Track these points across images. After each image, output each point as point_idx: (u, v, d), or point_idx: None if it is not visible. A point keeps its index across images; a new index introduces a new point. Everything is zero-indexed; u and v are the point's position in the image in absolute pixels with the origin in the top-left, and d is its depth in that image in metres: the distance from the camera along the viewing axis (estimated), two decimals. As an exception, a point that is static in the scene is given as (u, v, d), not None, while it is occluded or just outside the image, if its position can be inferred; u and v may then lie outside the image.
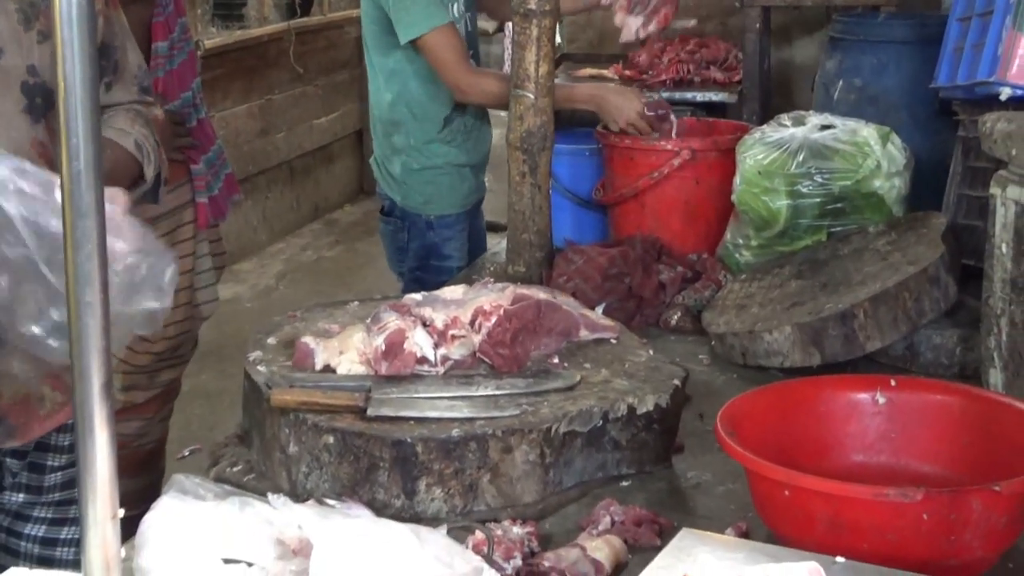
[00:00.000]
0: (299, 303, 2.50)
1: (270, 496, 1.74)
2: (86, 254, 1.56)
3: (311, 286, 7.14)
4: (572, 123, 3.56)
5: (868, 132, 3.05)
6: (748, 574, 1.38)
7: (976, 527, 1.72)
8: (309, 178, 8.53)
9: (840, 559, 1.50)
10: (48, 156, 2.10)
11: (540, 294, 2.34)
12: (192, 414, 4.85)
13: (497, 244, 3.77)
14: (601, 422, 2.08)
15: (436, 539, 1.65)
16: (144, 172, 2.27)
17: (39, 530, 2.23)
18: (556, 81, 3.19)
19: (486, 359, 2.20)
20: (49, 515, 2.26)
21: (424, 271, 3.68)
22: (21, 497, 2.17)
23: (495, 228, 4.24)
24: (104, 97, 2.26)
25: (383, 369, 2.14)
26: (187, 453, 4.49)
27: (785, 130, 3.10)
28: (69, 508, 2.27)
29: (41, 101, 2.11)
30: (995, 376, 2.37)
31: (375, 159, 3.82)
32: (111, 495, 1.59)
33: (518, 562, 1.81)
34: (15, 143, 2.04)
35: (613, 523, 1.93)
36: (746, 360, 2.66)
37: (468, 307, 2.25)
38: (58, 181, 1.70)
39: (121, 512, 1.61)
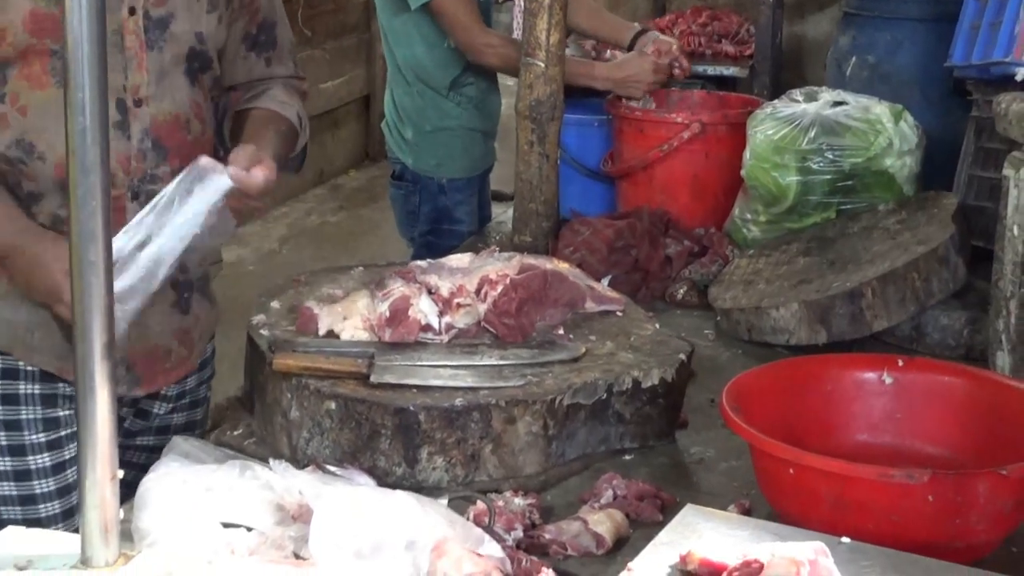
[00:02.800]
0: (302, 267, 2.48)
1: (271, 461, 1.73)
2: (90, 211, 1.54)
3: (314, 251, 7.12)
4: (582, 93, 3.53)
5: (880, 110, 3.02)
6: (753, 552, 1.37)
7: (981, 510, 1.70)
8: (314, 142, 8.47)
9: (845, 539, 1.48)
10: (202, 115, 2.23)
11: (547, 264, 2.32)
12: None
13: (503, 213, 3.75)
14: (605, 395, 2.07)
15: (437, 508, 1.64)
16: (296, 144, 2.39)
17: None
18: (569, 53, 3.17)
19: (491, 328, 2.19)
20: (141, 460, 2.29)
21: (435, 235, 3.68)
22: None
23: (500, 197, 4.22)
24: (265, 71, 2.40)
25: (387, 336, 2.12)
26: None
27: (797, 105, 3.08)
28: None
29: (199, 65, 2.22)
30: (1002, 359, 2.35)
31: (386, 122, 3.80)
32: (110, 456, 1.58)
33: (519, 533, 1.80)
34: (178, 103, 2.17)
35: (615, 497, 1.92)
36: (752, 336, 2.64)
37: (474, 276, 2.23)
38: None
39: (120, 473, 1.60)
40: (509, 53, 3.48)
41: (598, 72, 3.53)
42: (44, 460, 2.13)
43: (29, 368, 2.11)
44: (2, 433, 2.12)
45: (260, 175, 2.02)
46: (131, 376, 2.21)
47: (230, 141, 2.36)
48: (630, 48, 3.63)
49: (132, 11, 2.11)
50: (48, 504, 2.14)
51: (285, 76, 2.43)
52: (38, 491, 2.13)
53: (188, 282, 2.29)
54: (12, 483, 2.11)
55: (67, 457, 2.13)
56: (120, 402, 2.20)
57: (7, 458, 2.12)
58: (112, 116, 2.07)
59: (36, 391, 2.12)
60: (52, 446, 2.12)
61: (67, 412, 2.14)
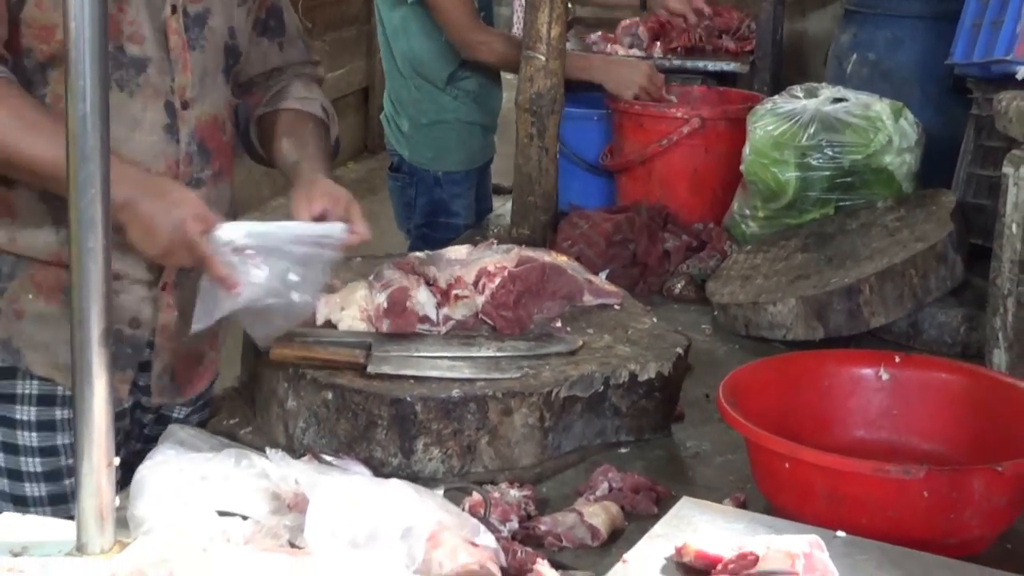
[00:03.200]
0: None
1: (268, 451, 1.73)
2: (89, 199, 1.54)
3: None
4: (582, 87, 3.53)
5: (881, 107, 3.02)
6: (749, 544, 1.37)
7: (977, 507, 1.71)
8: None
9: (841, 533, 1.48)
10: (231, 115, 2.20)
11: (545, 257, 2.32)
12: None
13: (501, 206, 3.75)
14: (602, 388, 2.07)
15: (433, 498, 1.64)
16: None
17: None
18: (568, 47, 3.17)
19: (488, 320, 2.19)
20: None
21: (431, 228, 3.67)
22: (139, 447, 2.15)
23: (500, 191, 4.22)
24: (279, 58, 2.33)
25: (384, 327, 2.12)
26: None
27: (797, 102, 3.08)
28: None
29: (232, 62, 2.17)
30: (999, 356, 2.35)
31: (385, 114, 3.80)
32: (107, 443, 1.58)
33: (514, 525, 1.80)
34: (216, 104, 2.13)
35: (611, 489, 1.92)
36: (749, 331, 2.64)
37: (472, 267, 2.23)
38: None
39: (116, 460, 1.60)
40: (504, 50, 3.49)
41: (595, 65, 3.53)
42: (32, 438, 2.08)
43: (65, 393, 2.01)
44: (38, 459, 2.07)
45: (364, 233, 2.03)
46: (173, 386, 2.18)
47: (262, 148, 2.31)
48: (643, 6, 3.63)
49: (174, 9, 2.05)
50: (33, 484, 2.11)
51: (300, 61, 2.37)
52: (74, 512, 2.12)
53: None
54: (48, 508, 2.06)
55: (59, 443, 2.09)
56: (143, 409, 2.20)
57: (43, 484, 2.06)
58: (160, 120, 2.03)
59: (72, 416, 2.05)
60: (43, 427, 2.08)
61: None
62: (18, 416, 2.05)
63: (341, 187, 2.08)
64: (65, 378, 1.97)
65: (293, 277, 1.95)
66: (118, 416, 1.89)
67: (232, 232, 1.89)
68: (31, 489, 2.08)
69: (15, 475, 2.07)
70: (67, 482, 2.05)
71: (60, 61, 1.88)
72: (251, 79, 2.32)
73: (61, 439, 2.06)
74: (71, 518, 1.62)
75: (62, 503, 2.05)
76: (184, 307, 2.08)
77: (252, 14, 2.24)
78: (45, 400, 2.06)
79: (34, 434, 2.07)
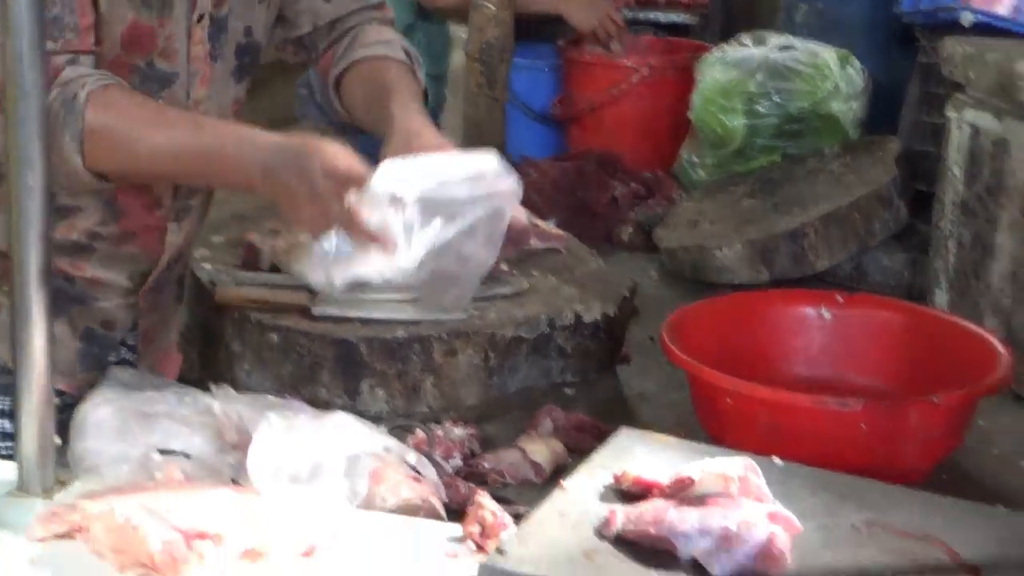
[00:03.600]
0: (245, 211, 2.47)
1: (212, 387, 1.72)
2: (27, 135, 1.53)
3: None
4: (531, 37, 3.52)
5: (828, 54, 3.05)
6: (685, 469, 1.38)
7: (913, 438, 1.73)
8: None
9: (776, 459, 1.50)
10: (240, 113, 2.01)
11: (491, 201, 2.32)
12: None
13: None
14: (548, 329, 2.08)
15: (377, 432, 1.65)
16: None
17: None
18: None
19: (434, 263, 2.18)
20: None
21: None
22: None
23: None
24: (330, 9, 2.06)
25: (330, 270, 2.12)
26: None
27: (745, 50, 3.09)
28: None
29: (249, 60, 1.99)
30: (940, 297, 2.38)
31: None
32: (46, 382, 1.57)
33: (458, 462, 1.81)
34: (222, 108, 1.95)
35: (555, 428, 1.93)
36: (696, 276, 2.66)
37: (418, 211, 2.22)
38: None
39: (56, 400, 1.60)
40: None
41: None
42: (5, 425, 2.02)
43: None
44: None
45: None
46: None
47: (348, 112, 2.08)
48: None
49: (200, 18, 1.87)
50: None
51: (359, 7, 2.09)
52: None
53: (183, 273, 2.14)
54: None
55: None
56: None
57: None
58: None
59: None
60: None
61: None
62: None
63: (446, 138, 1.84)
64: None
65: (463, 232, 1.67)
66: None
67: (386, 182, 1.64)
68: None
69: None
70: None
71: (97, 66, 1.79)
72: (312, 40, 2.08)
73: None
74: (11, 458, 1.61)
75: None
76: (161, 307, 2.05)
77: (273, 7, 2.04)
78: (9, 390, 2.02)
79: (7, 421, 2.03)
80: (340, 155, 1.67)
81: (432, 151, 1.76)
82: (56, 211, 1.78)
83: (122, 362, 2.02)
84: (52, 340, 1.58)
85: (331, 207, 1.65)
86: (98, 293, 1.95)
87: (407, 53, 2.04)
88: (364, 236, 1.65)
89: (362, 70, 2.01)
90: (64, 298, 1.89)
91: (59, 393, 1.88)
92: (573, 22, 3.42)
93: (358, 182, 1.65)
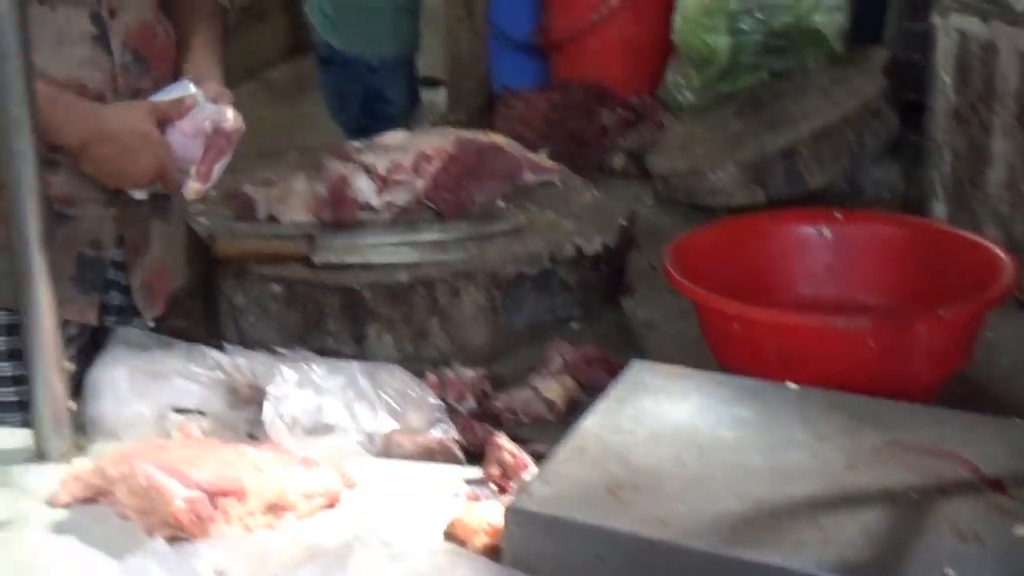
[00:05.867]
0: (236, 162, 2.44)
1: (225, 345, 1.72)
2: (15, 99, 1.51)
3: (248, 146, 6.99)
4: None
5: (809, -33, 3.02)
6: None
7: (922, 352, 1.74)
8: (241, 36, 8.33)
9: (792, 385, 1.50)
10: (159, 19, 2.06)
11: (482, 137, 2.31)
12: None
13: (436, 95, 3.72)
14: (549, 264, 2.07)
15: (391, 378, 1.64)
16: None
17: None
18: None
19: (431, 203, 2.18)
20: None
21: (367, 117, 3.64)
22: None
23: (428, 82, 4.18)
24: None
25: (327, 216, 2.11)
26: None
27: (726, -33, 3.06)
28: None
29: None
30: (938, 208, 2.38)
31: (310, 4, 3.74)
32: (56, 348, 1.57)
33: (471, 404, 1.81)
34: (141, 7, 2.00)
35: (564, 363, 1.93)
36: (691, 200, 2.66)
37: (410, 152, 2.22)
38: None
39: (69, 365, 1.59)
40: None
41: None
42: (5, 368, 2.06)
43: None
44: (12, 388, 2.06)
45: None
46: (150, 297, 2.17)
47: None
48: None
49: None
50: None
51: None
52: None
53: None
54: None
55: None
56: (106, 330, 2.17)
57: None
58: (89, 31, 1.96)
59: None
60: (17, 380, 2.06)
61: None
62: None
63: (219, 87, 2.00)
64: None
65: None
66: (79, 333, 1.88)
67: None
68: (7, 419, 2.07)
69: None
70: None
71: None
72: None
73: None
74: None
75: None
76: (140, 221, 2.06)
77: None
78: (14, 330, 2.04)
79: (5, 364, 2.04)
80: (150, 123, 1.86)
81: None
82: None
83: (111, 284, 2.05)
84: (57, 304, 1.57)
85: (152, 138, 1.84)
86: (73, 209, 1.94)
87: None
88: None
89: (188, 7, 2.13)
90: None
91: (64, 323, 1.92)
92: None
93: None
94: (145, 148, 1.87)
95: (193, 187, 1.87)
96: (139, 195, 1.90)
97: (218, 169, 1.88)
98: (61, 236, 1.93)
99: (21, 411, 2.05)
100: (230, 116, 1.90)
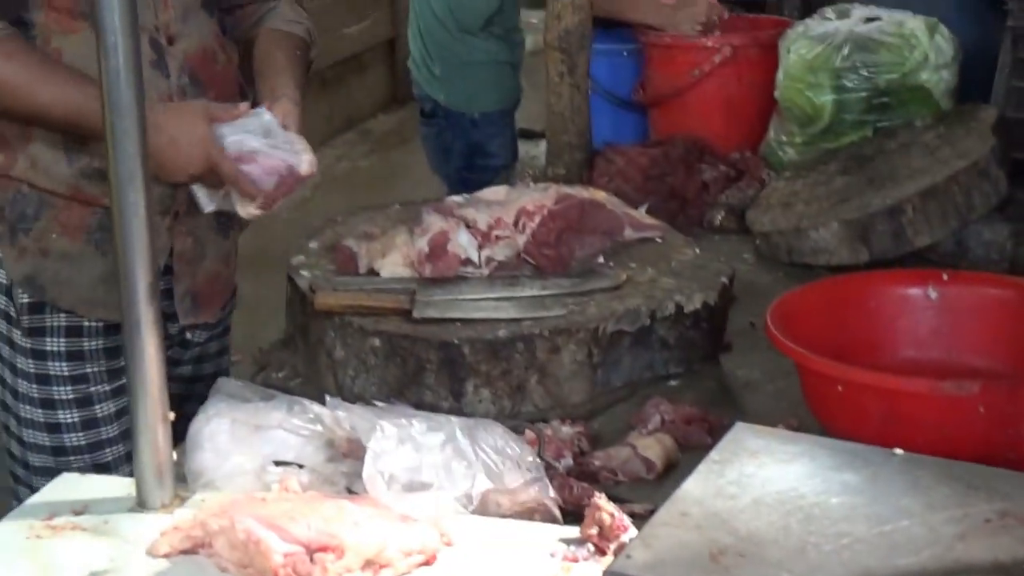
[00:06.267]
0: (335, 214, 2.48)
1: (327, 398, 1.72)
2: (127, 153, 1.54)
3: (346, 196, 7.09)
4: (610, 22, 3.49)
5: (915, 24, 2.98)
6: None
7: (1035, 420, 1.69)
8: (341, 88, 8.46)
9: (899, 451, 1.47)
10: (223, 45, 2.22)
11: (583, 193, 2.31)
12: (233, 325, 4.85)
13: (535, 148, 3.73)
14: (649, 321, 2.06)
15: (490, 435, 1.64)
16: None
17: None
18: None
19: (531, 259, 2.18)
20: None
21: (469, 170, 3.67)
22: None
23: (530, 135, 4.20)
24: None
25: (427, 271, 2.12)
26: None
27: (829, 23, 3.04)
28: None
29: None
30: (1048, 270, 2.33)
31: (414, 60, 3.79)
32: (161, 398, 1.59)
33: (568, 461, 1.80)
34: (204, 36, 2.15)
35: (663, 422, 1.92)
36: (792, 258, 2.62)
37: (511, 207, 2.22)
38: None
39: (172, 415, 1.61)
40: None
41: (642, 4, 3.47)
42: (109, 407, 2.16)
43: (91, 324, 2.13)
44: (70, 387, 2.14)
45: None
46: (195, 307, 2.24)
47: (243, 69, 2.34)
48: None
49: None
50: (114, 447, 2.19)
51: None
52: (104, 436, 2.18)
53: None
54: (81, 433, 2.16)
55: (88, 371, 2.17)
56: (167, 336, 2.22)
57: (75, 411, 2.15)
58: (148, 55, 2.06)
59: (99, 345, 2.14)
60: (116, 393, 2.16)
61: None
62: (48, 347, 2.14)
63: (290, 105, 2.13)
64: (88, 310, 2.11)
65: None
66: None
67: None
68: (64, 416, 2.16)
69: (48, 404, 2.16)
70: (97, 408, 2.13)
71: (42, 4, 2.01)
72: (239, 5, 2.33)
73: (90, 367, 2.14)
74: (128, 473, 1.63)
75: (93, 427, 2.14)
76: (198, 232, 2.16)
77: None
78: (73, 331, 2.16)
79: (64, 364, 2.15)
80: (201, 117, 1.98)
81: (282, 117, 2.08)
82: (74, 139, 2.04)
83: (164, 292, 2.11)
84: (164, 357, 1.60)
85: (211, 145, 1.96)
86: None
87: (310, 34, 2.32)
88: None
89: (263, 37, 2.27)
90: (107, 229, 2.02)
91: (116, 328, 2.00)
92: (680, 31, 3.38)
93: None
94: (193, 141, 1.96)
95: (252, 212, 1.98)
96: (207, 205, 2.00)
97: (280, 203, 2.00)
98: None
99: (78, 408, 2.15)
100: (306, 161, 2.01)
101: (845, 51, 2.95)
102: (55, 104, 1.97)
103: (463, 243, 2.15)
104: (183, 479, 1.68)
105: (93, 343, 2.14)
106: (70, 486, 1.68)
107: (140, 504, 1.60)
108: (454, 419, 1.70)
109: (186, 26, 2.12)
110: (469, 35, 3.64)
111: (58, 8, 2.03)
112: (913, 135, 2.83)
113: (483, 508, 1.59)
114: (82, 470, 2.13)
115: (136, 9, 1.52)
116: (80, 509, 1.60)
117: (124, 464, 2.16)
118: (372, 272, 2.16)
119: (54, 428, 2.15)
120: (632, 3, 3.46)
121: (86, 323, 2.14)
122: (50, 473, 2.13)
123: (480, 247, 2.17)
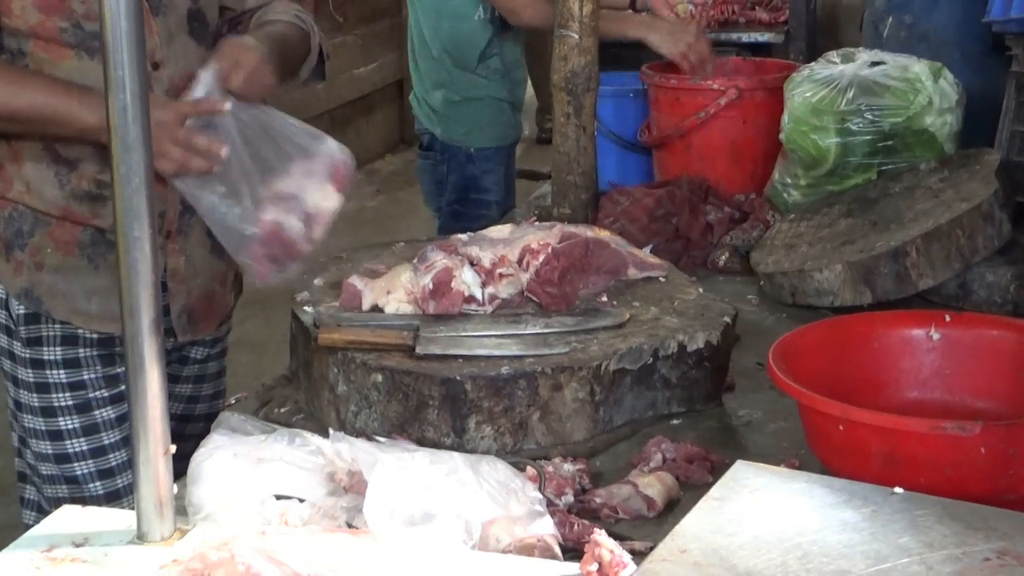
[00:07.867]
0: (342, 251, 2.50)
1: (331, 432, 1.73)
2: (133, 188, 1.55)
3: (353, 236, 7.12)
4: (616, 65, 3.52)
5: (919, 68, 3.00)
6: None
7: (1035, 460, 1.69)
8: (350, 128, 8.51)
9: (899, 490, 1.47)
10: None
11: (588, 232, 2.32)
12: (238, 363, 4.84)
13: (540, 188, 3.75)
14: (651, 359, 2.07)
15: (492, 470, 1.64)
16: (310, 43, 2.44)
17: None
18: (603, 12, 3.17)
19: (534, 297, 2.19)
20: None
21: (462, 204, 3.70)
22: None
23: (536, 176, 4.23)
24: None
25: (431, 308, 2.13)
26: (233, 400, 4.49)
27: (834, 67, 3.06)
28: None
29: (198, 25, 2.28)
30: (1051, 313, 2.33)
31: (415, 95, 3.84)
32: (162, 432, 1.59)
33: (569, 499, 1.80)
34: (190, 62, 2.22)
35: (664, 460, 1.92)
36: (796, 300, 2.63)
37: (515, 245, 2.23)
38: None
39: (172, 448, 1.61)
40: (546, 10, 3.48)
41: (640, 21, 3.52)
42: (109, 413, 2.22)
43: (88, 335, 2.20)
44: (68, 394, 2.20)
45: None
46: (191, 324, 2.27)
47: None
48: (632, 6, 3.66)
49: None
50: (117, 453, 2.23)
51: None
52: (106, 441, 2.22)
53: None
54: (83, 439, 2.21)
55: (85, 377, 2.22)
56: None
57: (75, 416, 2.20)
58: None
59: (95, 353, 2.21)
60: (115, 399, 2.21)
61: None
62: (46, 356, 2.21)
63: (247, 41, 2.21)
64: (84, 321, 2.21)
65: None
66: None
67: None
68: (65, 423, 2.21)
69: (49, 412, 2.23)
70: (96, 413, 2.18)
71: (29, 35, 2.11)
72: (238, 19, 2.41)
73: (87, 374, 2.20)
74: (129, 507, 1.63)
75: (94, 433, 2.17)
76: (189, 251, 2.25)
77: None
78: (68, 340, 2.24)
79: (62, 371, 2.21)
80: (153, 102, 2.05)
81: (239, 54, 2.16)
82: (63, 164, 2.03)
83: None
84: (166, 390, 1.60)
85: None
86: None
87: (301, 19, 2.42)
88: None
89: (266, 30, 2.35)
90: (100, 244, 2.16)
91: (111, 337, 2.02)
92: (660, 50, 3.42)
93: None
94: (161, 134, 2.01)
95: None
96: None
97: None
98: (111, 260, 2.07)
99: (77, 414, 2.20)
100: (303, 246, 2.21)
101: (850, 95, 2.96)
102: (23, 107, 2.06)
103: (467, 280, 2.16)
104: (184, 512, 1.68)
105: (88, 351, 2.21)
106: (71, 518, 1.68)
107: (140, 537, 1.60)
108: (456, 455, 1.70)
109: (171, 51, 2.18)
110: (467, 72, 3.68)
111: (45, 38, 2.09)
112: (917, 178, 2.84)
113: (484, 543, 1.59)
114: (87, 477, 2.18)
115: (144, 46, 1.54)
116: (80, 541, 1.60)
117: (128, 470, 2.20)
118: (376, 309, 2.17)
119: (56, 435, 2.22)
120: (620, 23, 3.51)
121: (81, 332, 2.19)
122: (56, 481, 2.18)
123: (484, 284, 2.17)
